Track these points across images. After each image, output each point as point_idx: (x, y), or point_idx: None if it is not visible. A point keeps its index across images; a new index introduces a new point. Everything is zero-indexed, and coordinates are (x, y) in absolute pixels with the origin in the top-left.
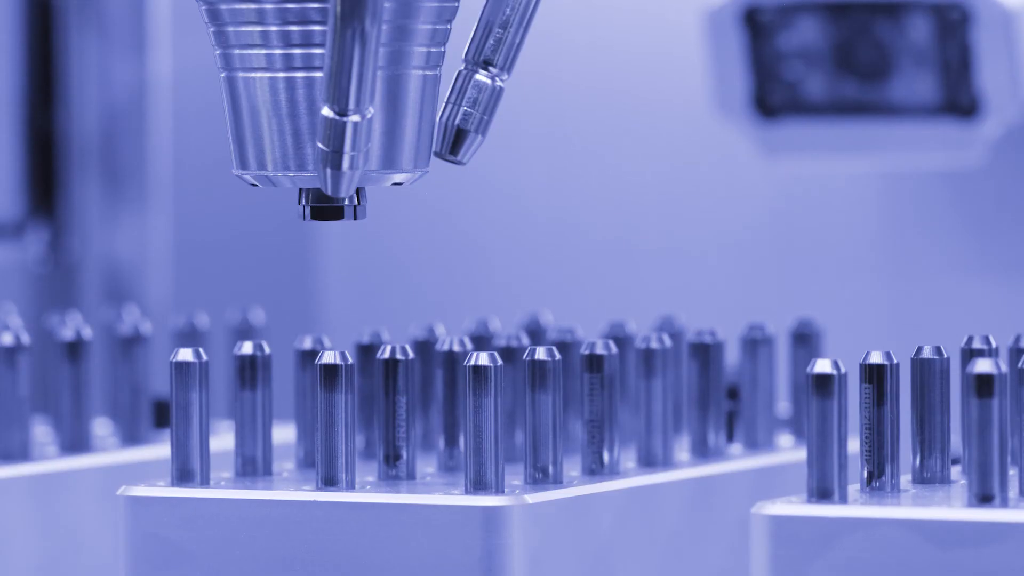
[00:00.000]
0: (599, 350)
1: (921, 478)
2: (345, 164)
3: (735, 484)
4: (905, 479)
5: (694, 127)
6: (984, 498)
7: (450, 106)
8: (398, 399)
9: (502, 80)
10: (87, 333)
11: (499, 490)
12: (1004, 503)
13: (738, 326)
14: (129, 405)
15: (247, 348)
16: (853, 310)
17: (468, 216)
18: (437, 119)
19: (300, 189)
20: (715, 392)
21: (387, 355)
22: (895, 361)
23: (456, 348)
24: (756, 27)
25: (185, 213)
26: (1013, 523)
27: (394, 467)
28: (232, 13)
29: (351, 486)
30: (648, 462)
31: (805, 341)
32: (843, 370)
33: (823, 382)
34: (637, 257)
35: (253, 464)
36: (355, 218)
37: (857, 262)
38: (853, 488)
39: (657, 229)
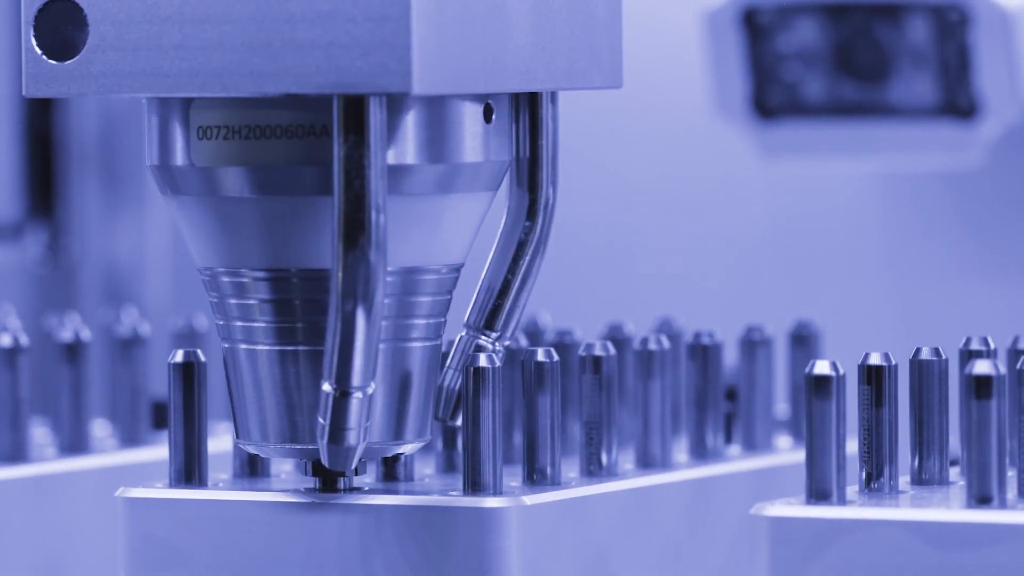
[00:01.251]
0: (597, 351)
1: (920, 479)
2: (347, 440)
3: (733, 485)
4: (904, 480)
5: (693, 128)
6: (982, 499)
7: (451, 371)
8: None
9: (502, 345)
10: (86, 334)
11: (497, 491)
12: (1002, 504)
13: (736, 327)
14: (128, 406)
15: None
16: (852, 311)
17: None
18: (438, 384)
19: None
20: (713, 393)
21: None
22: (894, 362)
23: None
24: (755, 28)
25: None
26: (1011, 524)
27: (392, 468)
28: (233, 286)
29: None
30: (646, 463)
31: (804, 342)
32: (841, 371)
33: (821, 383)
34: (635, 258)
35: (251, 465)
36: (356, 474)
37: (856, 263)
38: (852, 489)
39: (655, 230)
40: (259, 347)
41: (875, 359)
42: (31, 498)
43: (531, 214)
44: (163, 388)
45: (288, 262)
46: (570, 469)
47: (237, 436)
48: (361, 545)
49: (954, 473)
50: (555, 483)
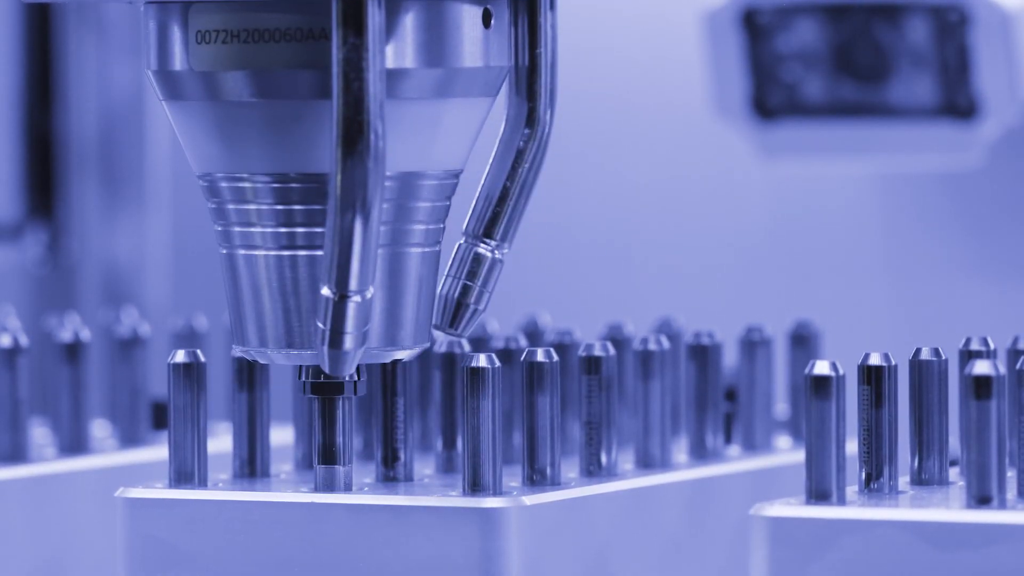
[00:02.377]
0: (597, 352)
1: (919, 480)
2: (345, 344)
3: (733, 486)
4: (903, 481)
5: (692, 128)
6: (982, 500)
7: (450, 279)
8: (396, 400)
9: (501, 252)
10: (85, 335)
11: (497, 492)
12: (1002, 505)
13: (736, 328)
14: (127, 407)
15: None
16: (851, 312)
17: (466, 218)
18: (437, 292)
19: (299, 366)
20: (713, 393)
21: None
22: (893, 363)
23: (454, 350)
24: (755, 29)
25: (184, 215)
26: (1011, 524)
27: (392, 468)
28: (232, 191)
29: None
30: (646, 464)
31: (803, 343)
32: (841, 372)
33: (821, 384)
34: (635, 259)
35: (251, 466)
36: (355, 393)
37: (855, 264)
38: (851, 490)
39: (655, 231)
40: (257, 252)
41: (875, 359)
42: (31, 498)
43: (530, 122)
44: (163, 388)
45: (287, 166)
46: (570, 469)
47: (236, 342)
48: (361, 545)
49: (954, 473)
50: (555, 483)
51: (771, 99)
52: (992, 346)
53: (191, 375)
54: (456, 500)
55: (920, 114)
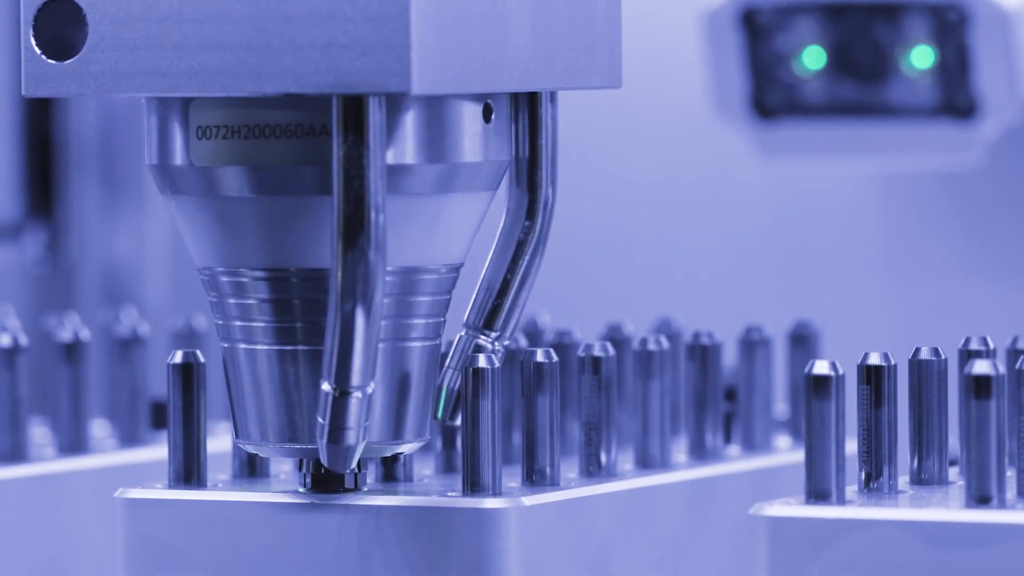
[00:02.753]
0: (597, 352)
1: (919, 479)
2: (347, 439)
3: (733, 486)
4: (903, 480)
5: (692, 128)
6: (982, 499)
7: (450, 371)
8: None
9: (502, 345)
10: (85, 335)
11: (496, 492)
12: (1002, 504)
13: (736, 327)
14: (127, 407)
15: None
16: (851, 311)
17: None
18: (437, 384)
19: (299, 458)
20: (713, 393)
21: None
22: (893, 362)
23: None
24: (754, 28)
25: None
26: (1011, 524)
27: (392, 468)
28: (232, 286)
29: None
30: (646, 464)
31: (803, 342)
32: (841, 371)
33: (821, 383)
34: (635, 259)
35: (250, 466)
36: (355, 488)
37: (855, 263)
38: (851, 489)
39: (655, 230)
40: (258, 347)
41: (874, 359)
42: (30, 498)
43: (530, 214)
44: (162, 388)
45: (287, 262)
46: (569, 469)
47: (236, 436)
48: (360, 546)
49: (953, 473)
50: (554, 484)
51: (770, 99)
52: (992, 346)
53: (191, 375)
54: (455, 500)
55: (919, 114)
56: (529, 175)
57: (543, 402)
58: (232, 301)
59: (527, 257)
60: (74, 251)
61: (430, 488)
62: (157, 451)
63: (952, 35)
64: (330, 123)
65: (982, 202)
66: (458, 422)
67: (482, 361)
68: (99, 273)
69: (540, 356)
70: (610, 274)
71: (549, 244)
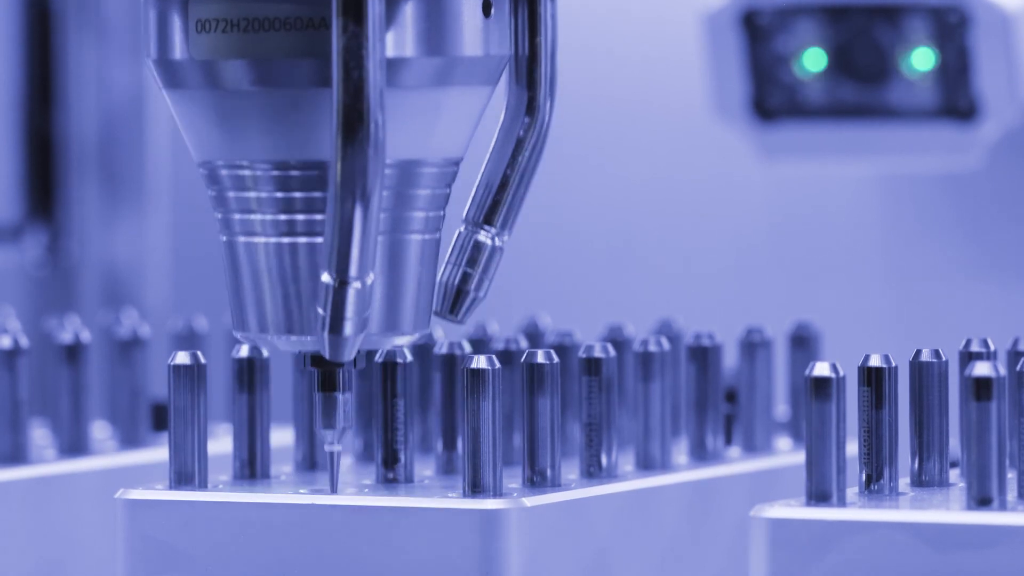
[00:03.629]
0: (597, 353)
1: (919, 481)
2: (345, 330)
3: (733, 487)
4: (904, 482)
5: (692, 130)
6: (982, 501)
7: (450, 266)
8: (396, 402)
9: (502, 240)
10: (86, 336)
11: (497, 493)
12: (1002, 506)
13: (736, 329)
14: (128, 408)
15: (245, 351)
16: (852, 313)
17: (466, 205)
18: (437, 279)
19: (301, 352)
20: (713, 395)
21: (385, 358)
22: (893, 364)
23: (454, 351)
24: (754, 30)
25: (183, 216)
26: (1011, 526)
27: (392, 470)
28: (232, 179)
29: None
30: (646, 465)
31: (803, 344)
32: (841, 373)
33: (821, 385)
34: (635, 260)
35: (251, 467)
36: (355, 367)
37: (855, 265)
38: (851, 491)
39: (655, 232)
40: (257, 239)
41: (875, 361)
42: (31, 500)
43: (530, 110)
44: (163, 390)
45: (287, 154)
46: (570, 471)
47: (235, 328)
48: (361, 547)
49: (954, 475)
50: (555, 485)
51: (771, 100)
52: (992, 347)
53: (191, 376)
54: (456, 502)
55: (920, 115)
56: (528, 72)
57: (544, 403)
58: (232, 194)
59: (526, 153)
60: (74, 252)
61: (431, 489)
62: (157, 452)
63: (952, 37)
64: (329, 16)
65: (982, 203)
66: (458, 318)
67: (482, 362)
68: (99, 274)
69: (541, 357)
70: (611, 275)
71: (549, 245)
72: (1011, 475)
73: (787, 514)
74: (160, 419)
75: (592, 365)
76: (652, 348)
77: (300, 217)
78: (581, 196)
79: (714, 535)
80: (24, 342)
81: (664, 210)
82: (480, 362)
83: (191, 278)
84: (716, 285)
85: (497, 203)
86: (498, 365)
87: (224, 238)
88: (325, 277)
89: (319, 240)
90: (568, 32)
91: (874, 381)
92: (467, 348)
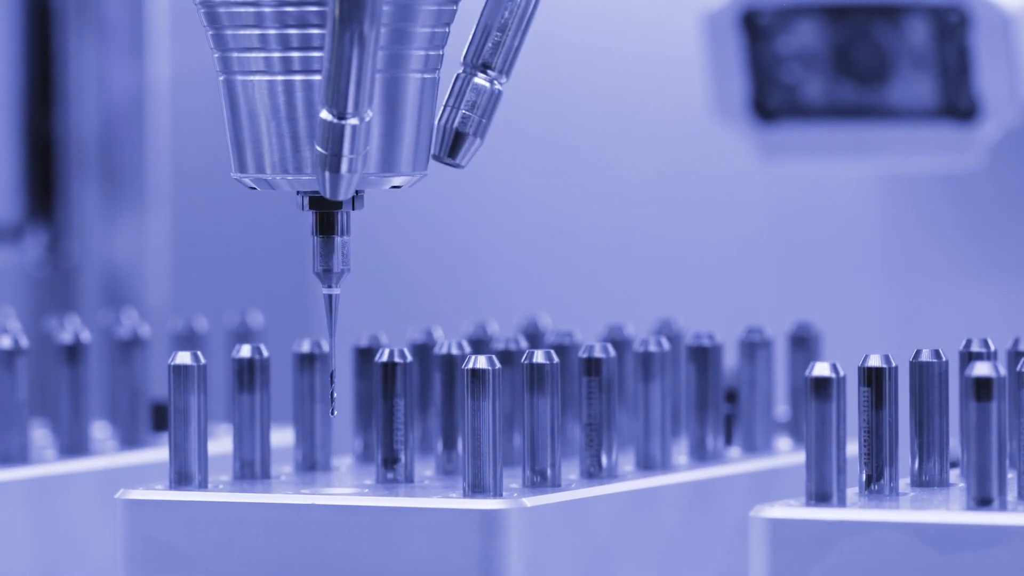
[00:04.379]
0: (597, 353)
1: (920, 481)
2: (343, 167)
3: (733, 487)
4: (904, 482)
5: (693, 130)
6: (982, 501)
7: (449, 109)
8: (396, 402)
9: (501, 83)
10: (86, 336)
11: (497, 493)
12: (1003, 506)
13: (736, 329)
14: (128, 408)
15: (245, 351)
16: (852, 313)
17: (466, 220)
18: (436, 122)
19: (297, 191)
20: (713, 395)
21: (385, 359)
22: (894, 364)
23: (454, 351)
24: (755, 30)
25: (184, 216)
26: (1011, 526)
27: (392, 470)
28: (231, 16)
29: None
30: (646, 465)
31: (803, 344)
32: (842, 373)
33: (822, 385)
34: (635, 260)
35: (251, 467)
36: (353, 208)
37: (855, 265)
38: (852, 491)
39: (655, 232)
40: (255, 77)
41: (875, 361)
42: (31, 500)
43: None
44: (163, 390)
45: None
46: (570, 471)
47: (234, 169)
48: (361, 547)
49: (954, 475)
50: (555, 485)
51: (771, 100)
52: (992, 348)
53: (191, 377)
54: (457, 502)
55: (920, 115)
56: None
57: (544, 404)
58: (229, 32)
59: None
60: (74, 253)
61: (431, 489)
62: (157, 452)
63: (952, 37)
64: None
65: (982, 203)
66: (457, 161)
67: (482, 362)
68: (99, 275)
69: (541, 357)
70: (611, 275)
71: (549, 245)
72: (1011, 475)
73: (787, 514)
74: (160, 419)
75: (592, 365)
76: (652, 348)
77: (297, 54)
78: (581, 196)
79: (714, 535)
80: (24, 342)
81: (664, 210)
82: (480, 362)
83: (191, 278)
84: (716, 285)
85: (496, 45)
86: (498, 365)
87: (222, 77)
88: (323, 114)
89: (317, 78)
90: (569, 32)
91: (874, 381)
92: (467, 348)
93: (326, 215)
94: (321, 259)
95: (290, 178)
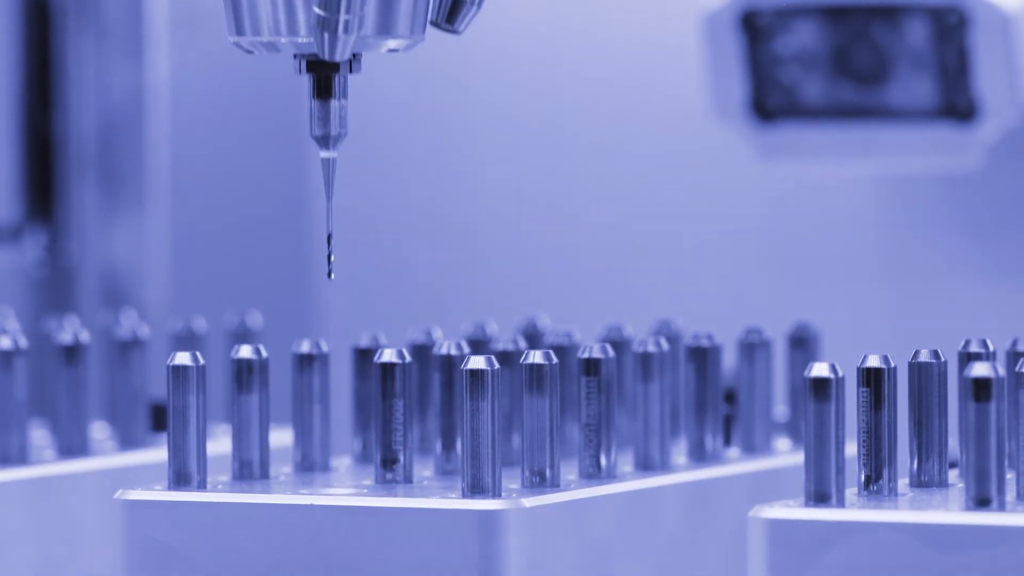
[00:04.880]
0: (596, 354)
1: (919, 482)
2: (341, 27)
3: (732, 488)
4: (903, 483)
5: (692, 130)
6: (981, 502)
7: None
8: (395, 403)
9: None
10: (85, 337)
11: (496, 494)
12: (1001, 507)
13: (735, 330)
14: (127, 409)
15: (244, 352)
16: (850, 314)
17: (465, 220)
18: None
19: (295, 54)
20: (712, 396)
21: (384, 359)
22: (892, 365)
23: (453, 352)
24: (754, 31)
25: (183, 216)
26: (1010, 527)
27: (391, 471)
28: None
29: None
30: (645, 466)
31: (802, 345)
32: (840, 374)
33: (820, 386)
34: (634, 260)
35: (250, 468)
36: (351, 71)
37: (854, 265)
38: (851, 492)
39: (654, 232)
40: None
41: (874, 361)
42: (30, 501)
43: None
44: (162, 390)
45: None
46: (569, 472)
47: (230, 32)
48: (360, 548)
49: (953, 475)
50: (554, 486)
51: (770, 101)
52: (991, 348)
53: (190, 377)
54: (455, 502)
55: (919, 116)
56: None
57: (543, 404)
58: None
59: None
60: (74, 253)
61: (430, 490)
62: (157, 453)
63: (952, 37)
64: None
65: (982, 204)
66: (455, 27)
67: (481, 363)
68: (99, 275)
69: (540, 358)
70: (610, 276)
71: (549, 245)
72: (1010, 475)
73: (786, 514)
74: (159, 419)
75: (591, 365)
76: (651, 348)
77: None
78: (580, 196)
79: (714, 535)
80: (23, 343)
81: (663, 210)
82: (479, 362)
83: (190, 278)
84: (715, 285)
85: None
86: (497, 365)
87: None
88: None
89: None
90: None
91: (873, 381)
92: (466, 349)
93: (323, 78)
94: (319, 123)
95: (287, 39)
